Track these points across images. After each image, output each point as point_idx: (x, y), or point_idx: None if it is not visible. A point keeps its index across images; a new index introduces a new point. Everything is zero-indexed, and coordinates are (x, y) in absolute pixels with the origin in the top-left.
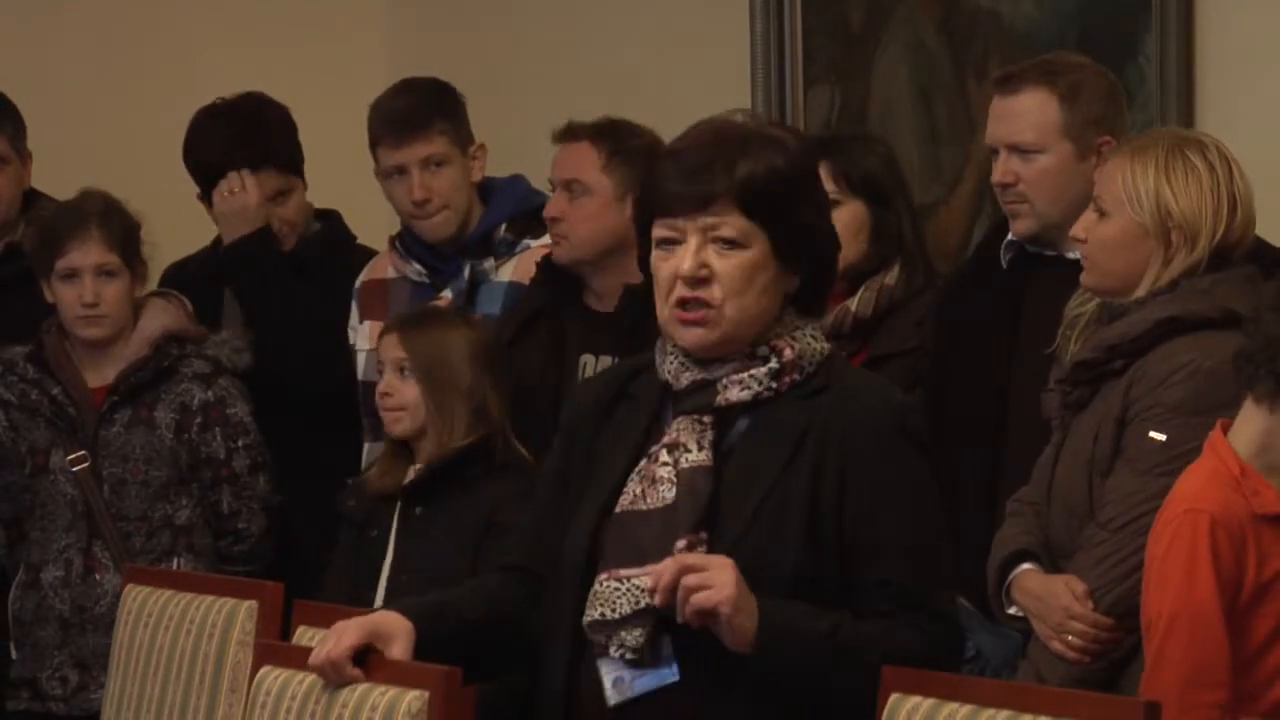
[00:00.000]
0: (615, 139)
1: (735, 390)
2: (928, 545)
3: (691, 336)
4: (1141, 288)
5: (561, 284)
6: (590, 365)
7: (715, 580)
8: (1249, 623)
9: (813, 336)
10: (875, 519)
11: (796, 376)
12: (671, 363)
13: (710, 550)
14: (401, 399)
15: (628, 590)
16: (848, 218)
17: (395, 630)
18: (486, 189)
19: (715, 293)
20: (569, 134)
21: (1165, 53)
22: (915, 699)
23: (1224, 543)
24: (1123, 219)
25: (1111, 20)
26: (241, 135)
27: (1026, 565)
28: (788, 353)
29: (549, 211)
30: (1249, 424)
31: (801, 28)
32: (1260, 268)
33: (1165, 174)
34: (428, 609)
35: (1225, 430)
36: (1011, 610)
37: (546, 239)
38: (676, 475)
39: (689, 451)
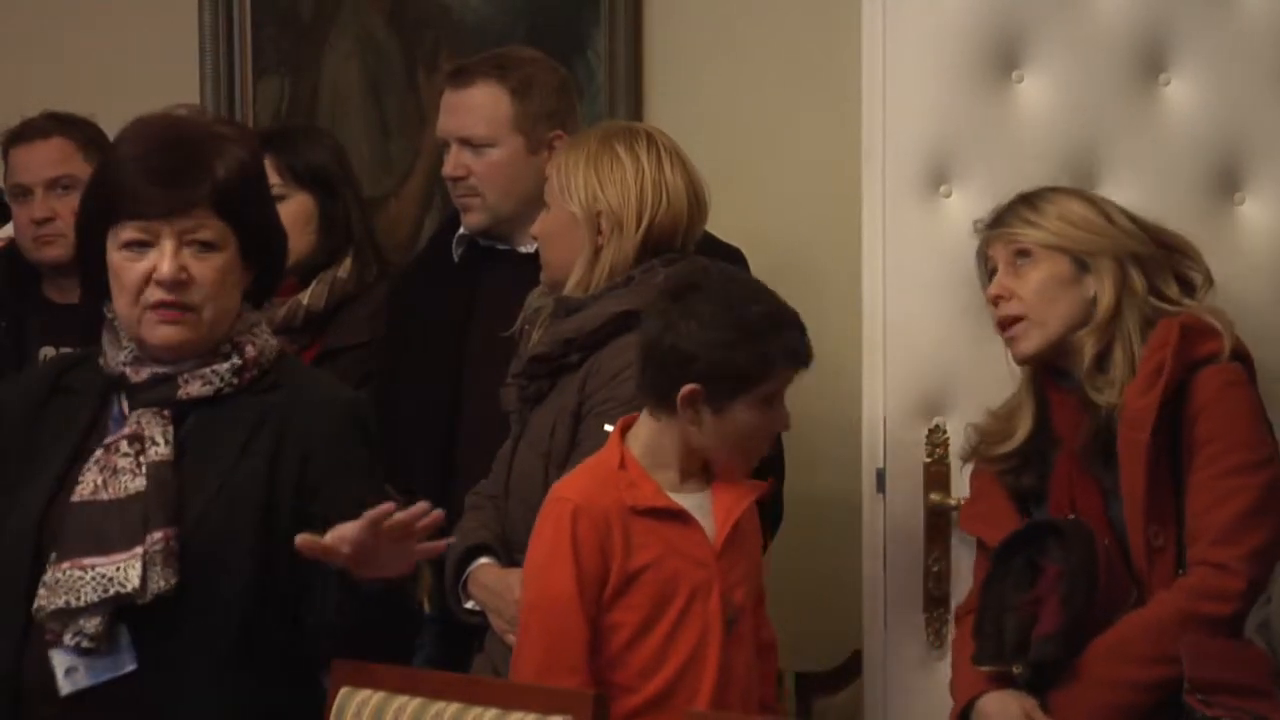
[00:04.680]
0: (81, 129)
1: (197, 385)
2: None
3: (167, 336)
4: (573, 277)
5: (20, 276)
6: (51, 357)
7: None
8: (616, 613)
9: (268, 336)
10: (336, 500)
11: (255, 373)
12: (127, 355)
13: (177, 544)
14: None
15: (92, 579)
16: (295, 210)
17: None
18: None
19: (194, 296)
20: (34, 132)
21: (614, 47)
22: (365, 692)
23: (586, 532)
24: (559, 210)
25: (561, 15)
26: None
27: (484, 559)
28: (250, 350)
29: (39, 213)
30: (642, 424)
31: (251, 19)
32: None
33: (594, 164)
34: None
35: (627, 426)
36: (469, 605)
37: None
38: (143, 467)
39: (155, 445)
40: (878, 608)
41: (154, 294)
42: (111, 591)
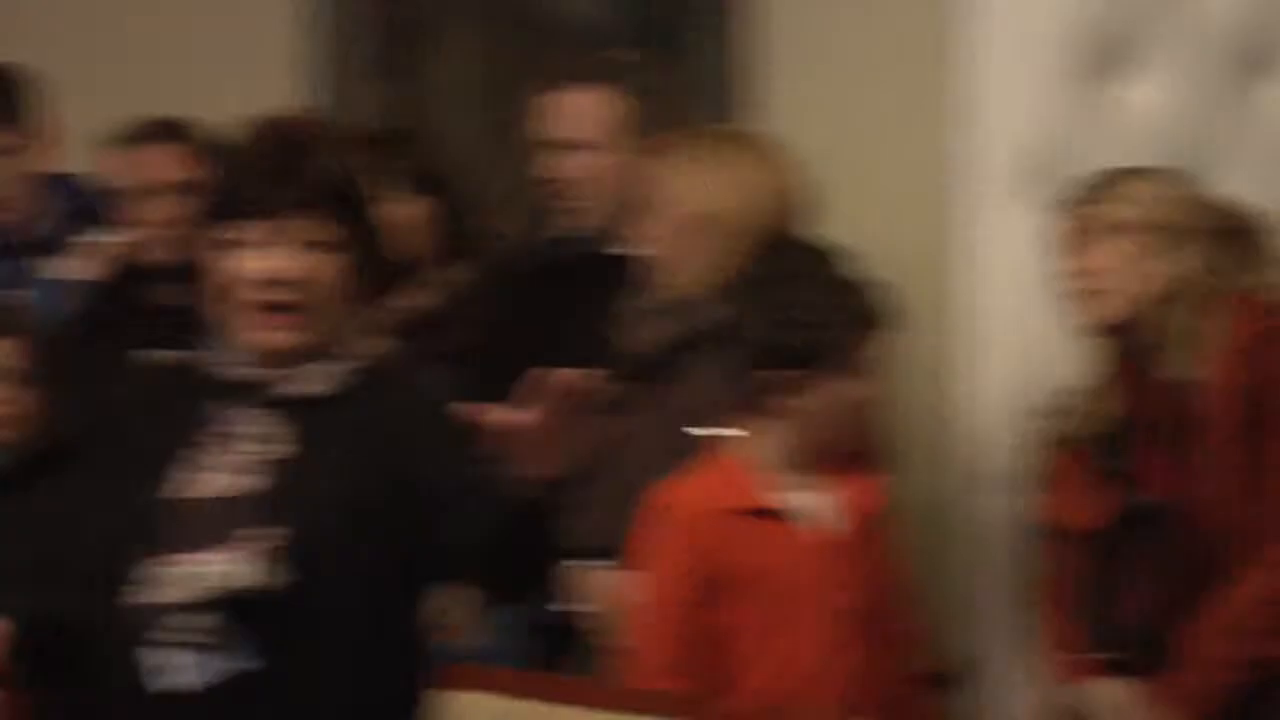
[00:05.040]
0: (190, 133)
1: (309, 384)
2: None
3: (275, 340)
4: (683, 281)
5: (128, 278)
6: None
7: None
8: (723, 615)
9: (378, 334)
10: (440, 481)
11: (366, 372)
12: (238, 356)
13: (286, 539)
14: (17, 408)
15: (204, 574)
16: (406, 213)
17: None
18: (43, 183)
19: (302, 295)
20: (145, 136)
21: (721, 50)
22: (475, 695)
23: (685, 535)
24: (667, 214)
25: (667, 19)
26: None
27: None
28: (359, 349)
29: (148, 215)
30: (745, 424)
31: (359, 22)
32: None
33: (704, 169)
34: (27, 611)
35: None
36: (573, 606)
37: (106, 235)
38: (251, 464)
39: (263, 442)
40: (974, 609)
41: (262, 294)
42: (222, 588)
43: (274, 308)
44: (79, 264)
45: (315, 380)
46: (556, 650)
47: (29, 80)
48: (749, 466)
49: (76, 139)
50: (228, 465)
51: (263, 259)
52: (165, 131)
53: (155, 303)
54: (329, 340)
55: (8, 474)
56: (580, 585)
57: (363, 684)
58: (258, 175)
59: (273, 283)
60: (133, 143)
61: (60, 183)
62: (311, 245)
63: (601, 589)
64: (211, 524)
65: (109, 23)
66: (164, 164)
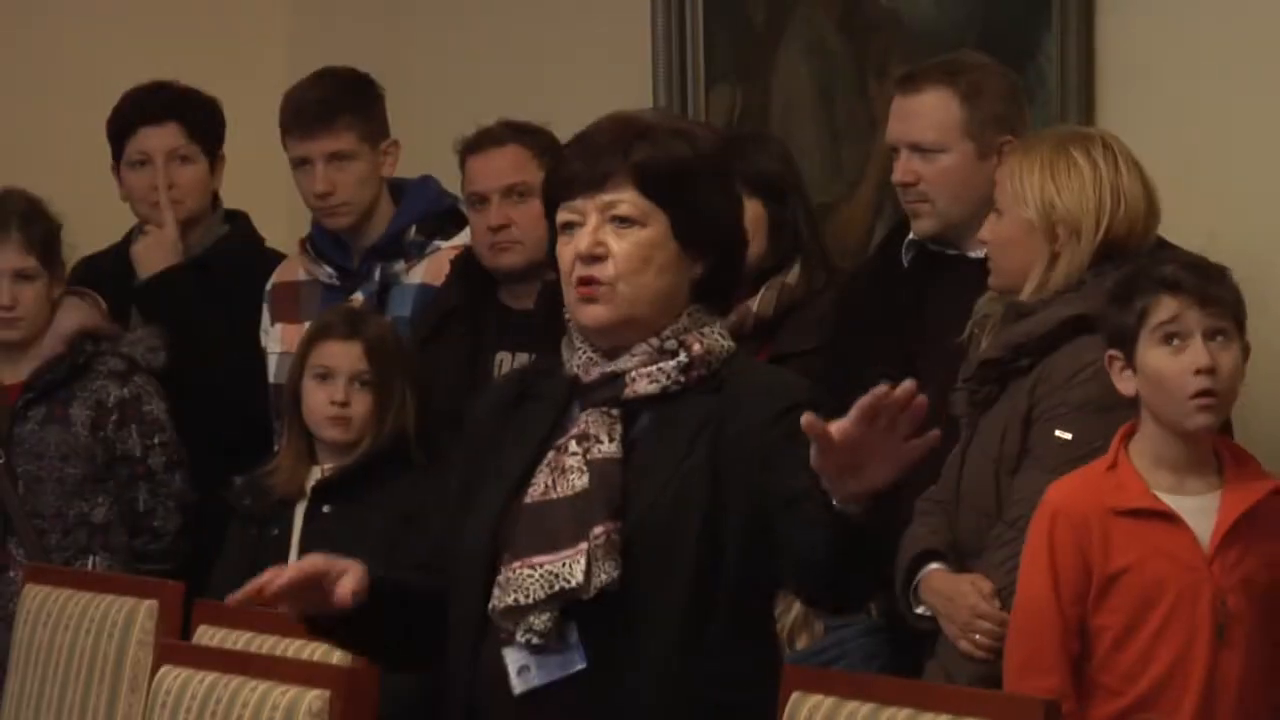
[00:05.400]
0: (535, 136)
1: (643, 383)
2: None
3: (589, 314)
4: (1029, 285)
5: (477, 282)
6: (506, 363)
7: None
8: (1101, 616)
9: (720, 335)
10: (778, 477)
11: (703, 372)
12: (580, 356)
13: (620, 538)
14: (355, 410)
15: (541, 576)
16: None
17: (349, 564)
18: (396, 189)
19: (609, 269)
20: (490, 140)
21: (1065, 52)
22: (816, 697)
23: (1064, 534)
24: (1013, 217)
25: (1012, 20)
26: (154, 93)
27: (934, 565)
28: (696, 348)
29: (495, 220)
30: (1139, 422)
31: (704, 27)
32: None
33: (1049, 170)
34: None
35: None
36: (919, 610)
37: (457, 240)
38: (587, 465)
39: (600, 443)
40: None
41: (577, 270)
42: (557, 587)
43: (584, 281)
44: (426, 269)
45: (650, 379)
46: (899, 653)
47: (377, 86)
48: (1141, 466)
49: (427, 145)
50: (566, 466)
51: (578, 239)
52: (511, 135)
53: (505, 306)
54: (656, 328)
55: (351, 475)
56: (921, 589)
57: (693, 684)
58: (577, 156)
59: (580, 257)
60: (480, 148)
61: (411, 188)
62: (622, 220)
63: (937, 592)
64: (553, 526)
65: (464, 25)
66: (507, 168)
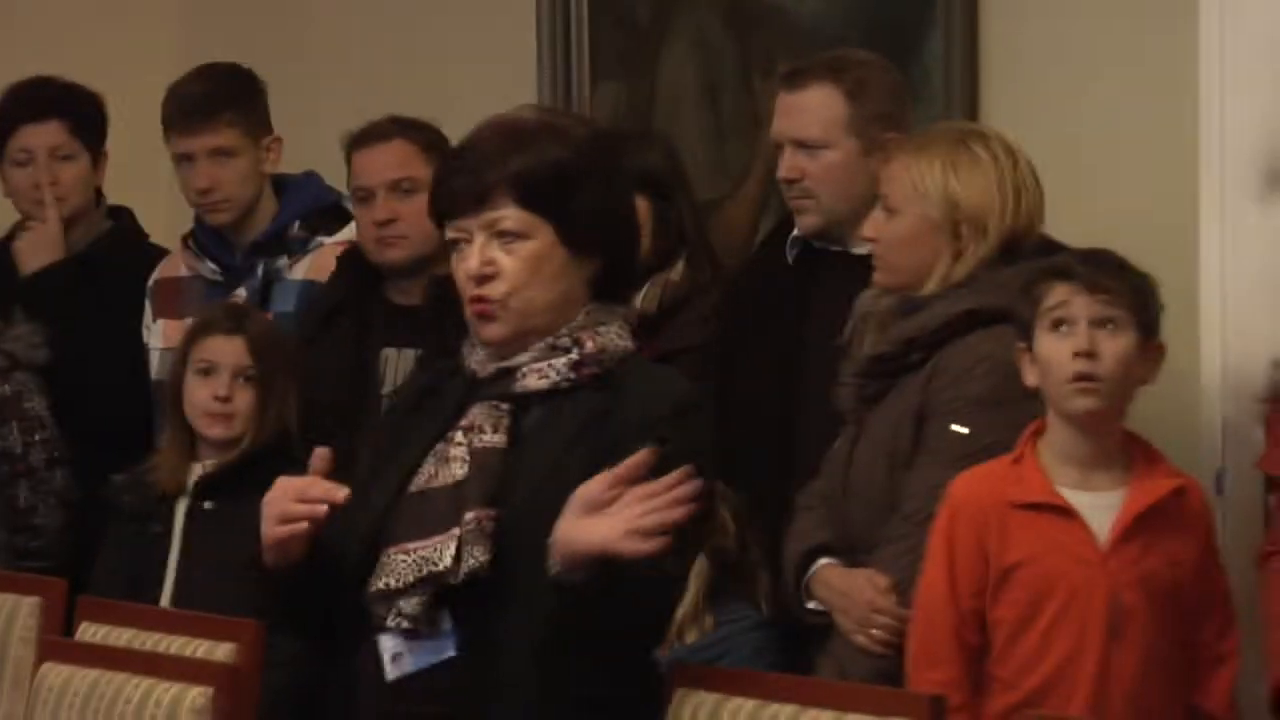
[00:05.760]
0: (421, 131)
1: (534, 379)
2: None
3: (486, 333)
4: (932, 281)
5: (363, 278)
6: (392, 359)
7: None
8: (998, 609)
9: (618, 334)
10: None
11: (596, 370)
12: (478, 354)
13: (496, 526)
14: (237, 405)
15: (413, 560)
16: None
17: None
18: (279, 185)
19: (501, 287)
20: (376, 135)
21: (950, 50)
22: (700, 694)
23: (962, 528)
24: (911, 215)
25: (897, 17)
26: (36, 90)
27: (825, 560)
28: (589, 345)
29: (381, 215)
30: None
31: (588, 24)
32: None
33: (951, 166)
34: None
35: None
36: (812, 605)
37: (341, 235)
38: (470, 454)
39: (483, 433)
40: None
41: (469, 289)
42: (425, 570)
43: (477, 300)
44: (310, 265)
45: (540, 374)
46: (788, 648)
47: (259, 82)
48: (1047, 461)
49: (312, 140)
50: (450, 456)
51: (468, 257)
52: (397, 130)
53: (391, 302)
54: (551, 330)
55: (233, 471)
56: (813, 584)
57: (565, 677)
58: (456, 172)
59: (471, 278)
60: (366, 142)
61: (294, 183)
62: (507, 235)
63: (831, 587)
64: (431, 512)
65: (349, 22)
66: (393, 163)
